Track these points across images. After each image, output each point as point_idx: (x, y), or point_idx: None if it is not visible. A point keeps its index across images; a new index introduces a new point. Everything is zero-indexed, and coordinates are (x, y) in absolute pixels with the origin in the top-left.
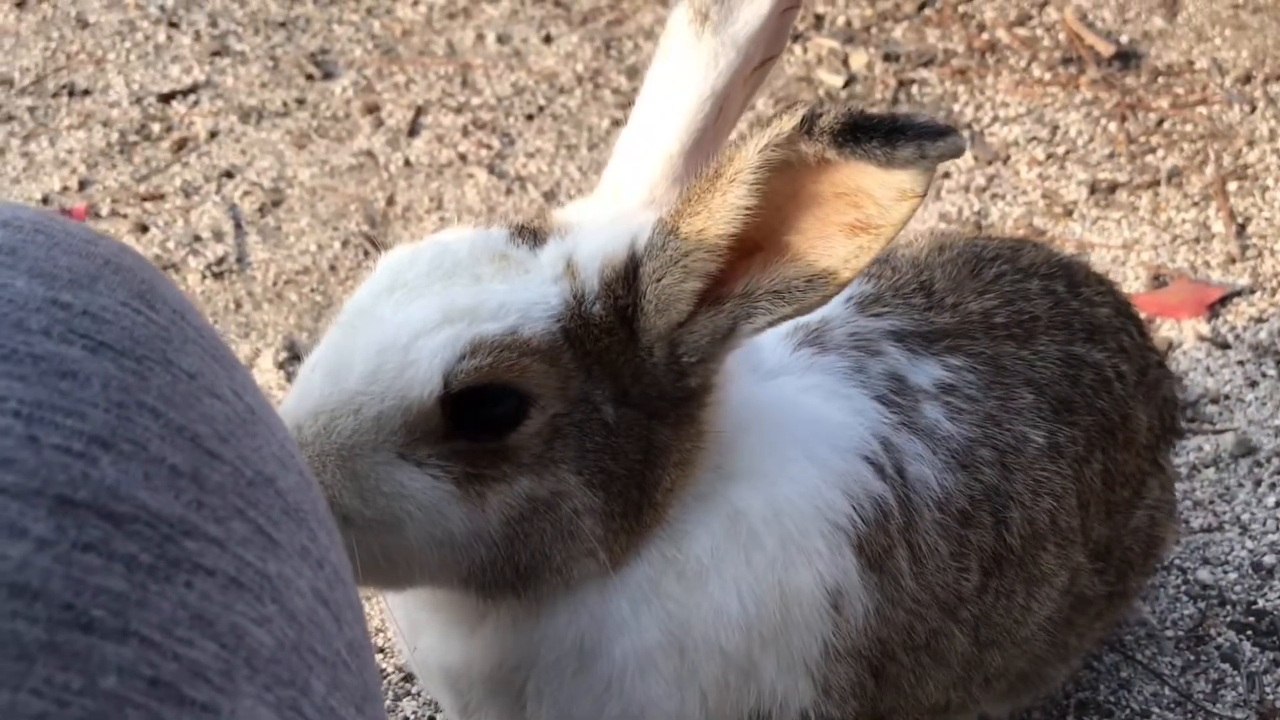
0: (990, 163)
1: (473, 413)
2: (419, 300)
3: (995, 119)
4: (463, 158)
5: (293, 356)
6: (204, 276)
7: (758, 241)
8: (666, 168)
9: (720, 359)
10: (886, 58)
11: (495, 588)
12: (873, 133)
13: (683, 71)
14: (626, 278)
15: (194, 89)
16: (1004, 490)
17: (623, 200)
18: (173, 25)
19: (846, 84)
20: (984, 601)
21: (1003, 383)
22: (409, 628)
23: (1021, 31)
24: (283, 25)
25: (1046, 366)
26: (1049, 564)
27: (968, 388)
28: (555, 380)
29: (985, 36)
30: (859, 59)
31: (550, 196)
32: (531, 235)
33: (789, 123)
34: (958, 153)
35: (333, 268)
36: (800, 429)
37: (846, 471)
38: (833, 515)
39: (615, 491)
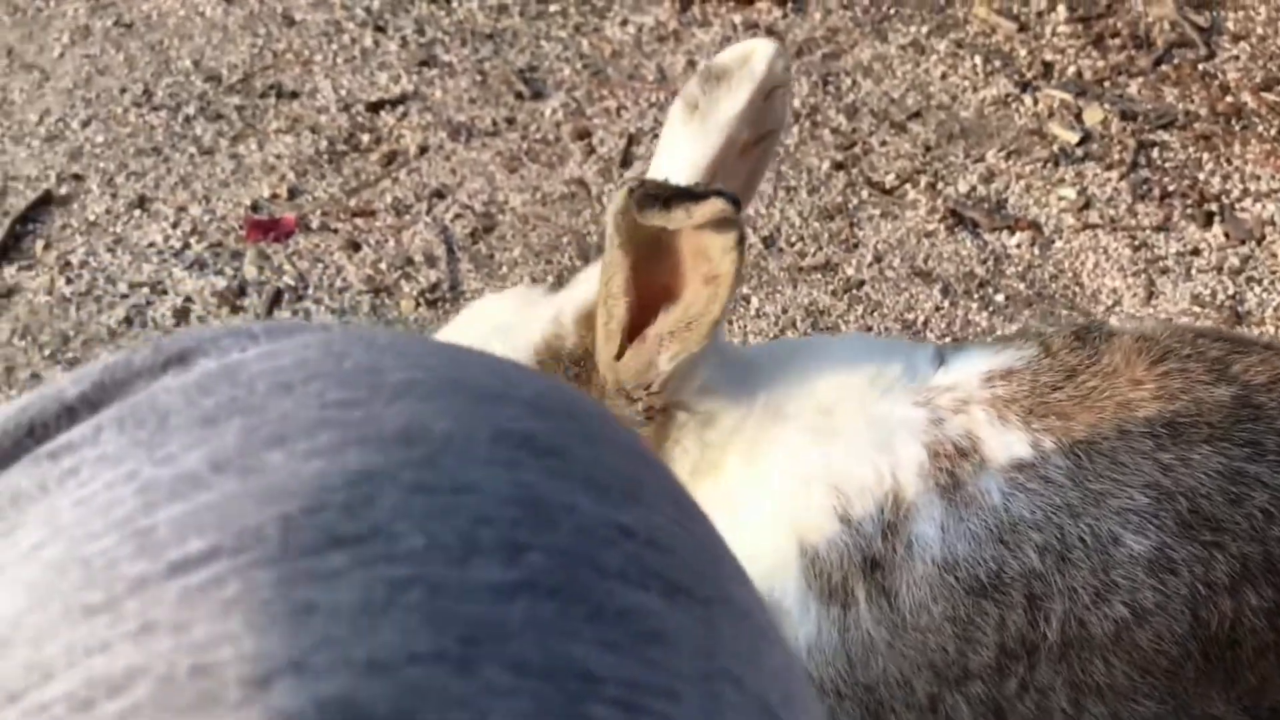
0: (1243, 242)
1: None
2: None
3: (1246, 192)
4: None
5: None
6: (417, 304)
7: (667, 287)
8: None
9: (651, 394)
10: (1123, 116)
11: None
12: (656, 200)
13: (676, 155)
14: (591, 321)
15: (402, 99)
16: (1049, 580)
17: None
18: (379, 29)
19: (1081, 141)
20: (1004, 685)
21: (1109, 477)
22: None
23: (1269, 96)
24: (490, 38)
25: (1192, 476)
26: (1114, 679)
27: (1052, 471)
28: None
29: (1229, 99)
30: (1093, 115)
31: (770, 242)
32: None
33: (621, 198)
34: (720, 215)
35: None
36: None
37: (803, 518)
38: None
39: None
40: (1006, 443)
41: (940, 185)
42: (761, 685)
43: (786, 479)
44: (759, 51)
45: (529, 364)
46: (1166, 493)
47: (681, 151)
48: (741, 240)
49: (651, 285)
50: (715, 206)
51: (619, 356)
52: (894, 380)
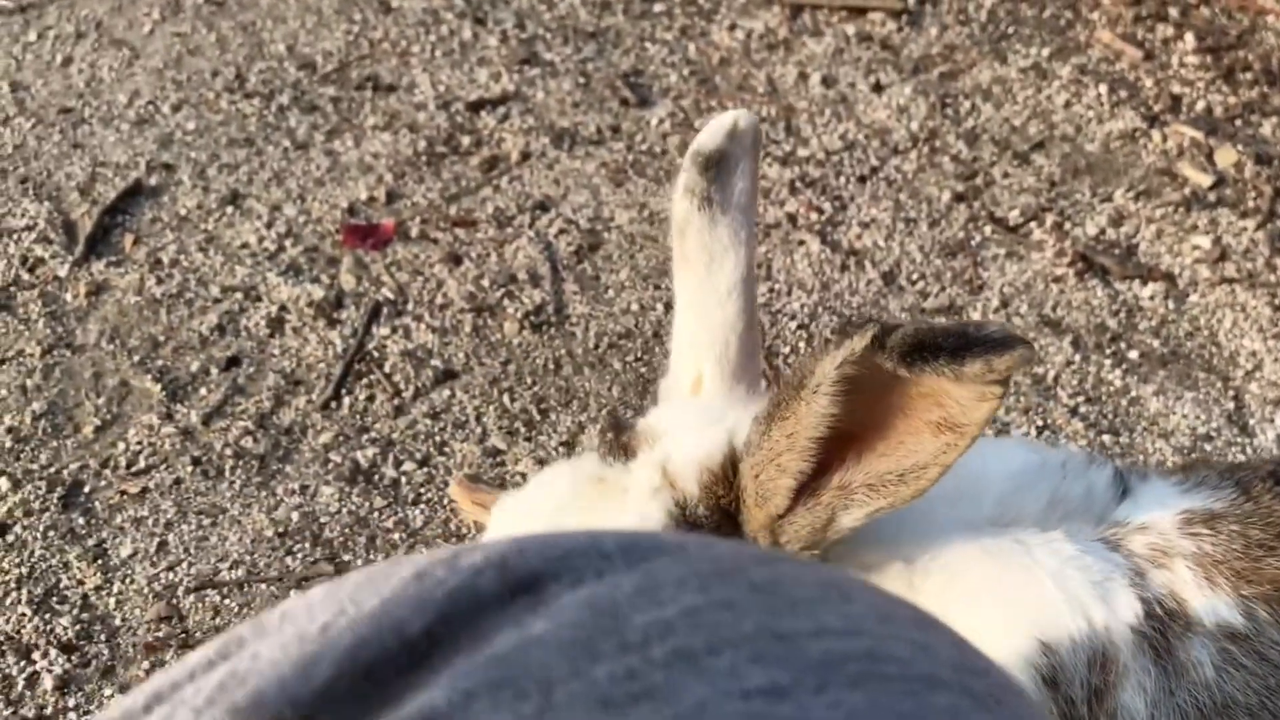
0: None
1: None
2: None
3: None
4: (791, 219)
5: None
6: (521, 327)
7: (852, 433)
8: (736, 349)
9: (825, 545)
10: (1258, 159)
11: None
12: (939, 351)
13: (715, 255)
14: (726, 478)
15: (503, 99)
16: None
17: (702, 390)
18: (478, 22)
19: (1214, 185)
20: None
21: None
22: None
23: None
24: (593, 36)
25: None
26: None
27: (1267, 648)
28: None
29: None
30: (1226, 156)
31: (889, 279)
32: (622, 451)
33: (860, 342)
34: (1027, 364)
35: (657, 334)
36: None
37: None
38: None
39: None
40: (1214, 607)
41: (1067, 225)
42: None
43: (983, 628)
44: (742, 122)
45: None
46: None
47: (722, 255)
48: (1004, 392)
49: (837, 431)
50: (1022, 356)
51: (783, 515)
52: (1074, 508)
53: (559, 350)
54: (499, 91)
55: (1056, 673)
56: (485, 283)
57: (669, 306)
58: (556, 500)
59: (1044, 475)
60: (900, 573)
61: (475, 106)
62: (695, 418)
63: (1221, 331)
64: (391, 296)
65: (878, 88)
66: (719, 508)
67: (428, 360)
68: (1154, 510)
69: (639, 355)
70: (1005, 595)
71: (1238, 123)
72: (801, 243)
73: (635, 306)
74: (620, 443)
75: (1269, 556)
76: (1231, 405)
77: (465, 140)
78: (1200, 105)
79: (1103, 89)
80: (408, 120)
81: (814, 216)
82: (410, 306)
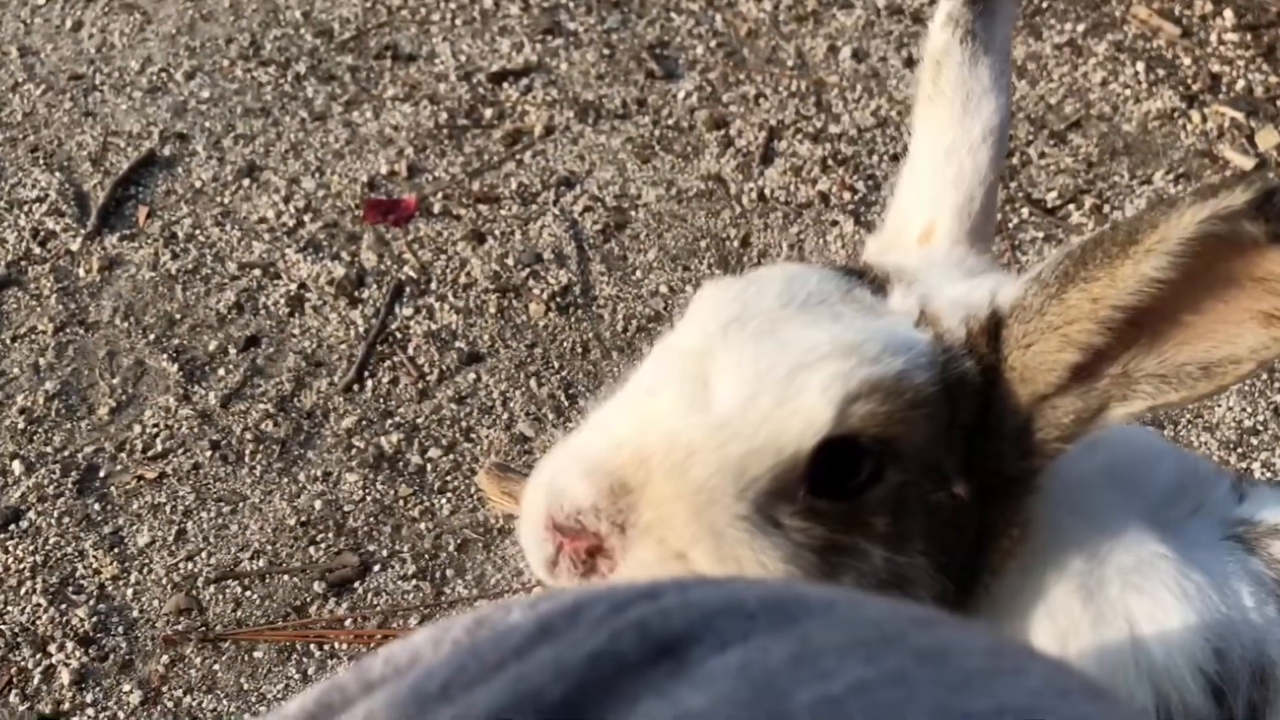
0: None
1: (830, 467)
2: (787, 330)
3: None
4: (824, 198)
5: (860, 271)
6: (547, 308)
7: (1149, 316)
8: (980, 202)
9: (1077, 441)
10: None
11: None
12: None
13: (973, 95)
14: (990, 334)
15: (526, 71)
16: None
17: (939, 241)
18: None
19: (1256, 168)
20: None
21: None
22: None
23: None
24: (617, 5)
25: None
26: None
27: None
28: (925, 440)
29: None
30: (1268, 138)
31: None
32: (868, 278)
33: (1241, 197)
34: None
35: None
36: (1157, 595)
37: (1170, 672)
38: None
39: (952, 578)
40: None
41: (1106, 209)
42: None
43: (1162, 636)
44: None
45: (913, 350)
46: None
47: (978, 97)
48: None
49: (1139, 308)
50: None
51: (1049, 396)
52: (1207, 505)
53: (586, 333)
54: (521, 62)
55: (1224, 684)
56: (510, 262)
57: (699, 287)
58: (804, 295)
59: (1185, 468)
60: (1079, 573)
61: (498, 78)
62: (947, 267)
63: None
64: (414, 275)
65: (910, 62)
66: (982, 369)
67: (452, 342)
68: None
69: None
70: (1182, 604)
71: (1279, 103)
72: (835, 223)
73: (664, 289)
74: (861, 271)
75: None
76: (1279, 398)
77: (488, 112)
78: (1240, 85)
79: (1140, 66)
80: (428, 91)
81: (847, 196)
82: (434, 286)
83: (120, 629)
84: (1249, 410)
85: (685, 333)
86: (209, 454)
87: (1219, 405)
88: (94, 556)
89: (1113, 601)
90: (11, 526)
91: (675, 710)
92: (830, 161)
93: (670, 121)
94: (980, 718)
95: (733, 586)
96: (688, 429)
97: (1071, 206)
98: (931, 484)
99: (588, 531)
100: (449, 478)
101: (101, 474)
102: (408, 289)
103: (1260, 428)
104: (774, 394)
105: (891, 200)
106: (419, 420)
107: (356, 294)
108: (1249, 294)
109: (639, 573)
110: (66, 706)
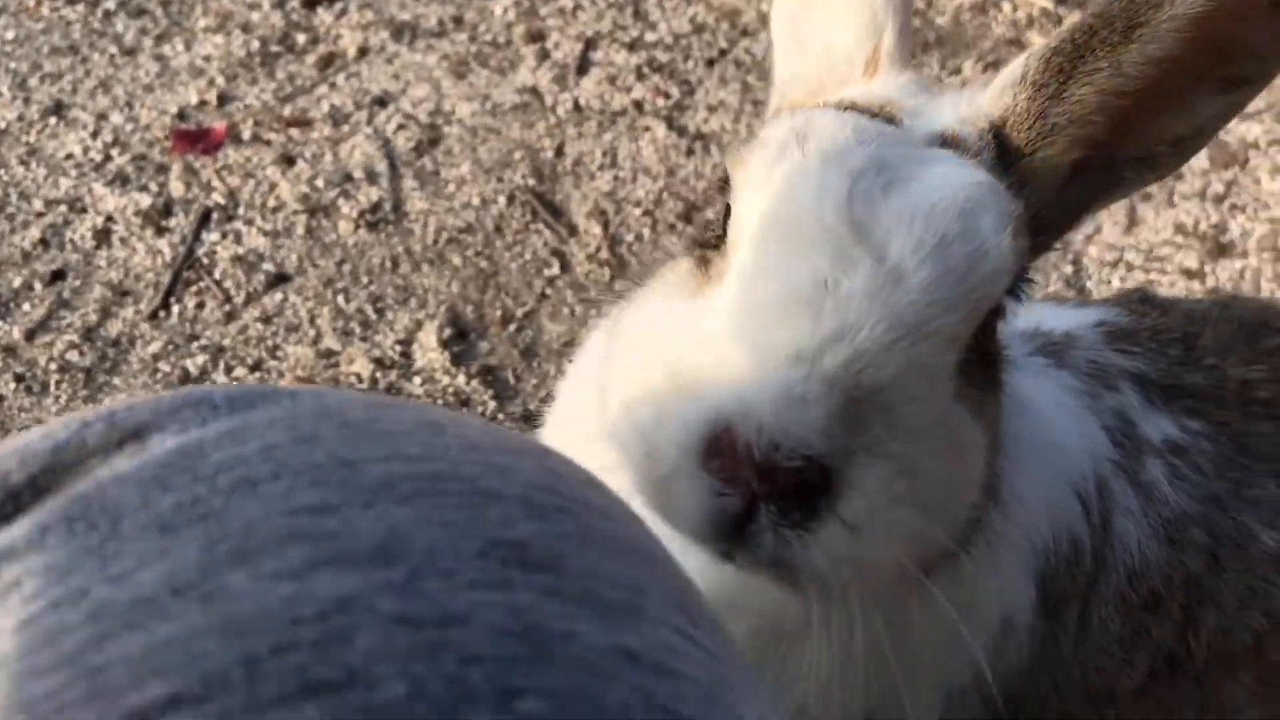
0: (1227, 166)
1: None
2: (923, 182)
3: None
4: (638, 106)
5: (458, 333)
6: (357, 226)
7: (1143, 99)
8: (906, 25)
9: (1070, 235)
10: None
11: (964, 544)
12: None
13: None
14: (999, 149)
15: None
16: (1206, 585)
17: (886, 71)
18: None
19: None
20: (1137, 708)
21: (1243, 465)
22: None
23: None
24: None
25: None
26: (1236, 697)
27: (1199, 457)
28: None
29: None
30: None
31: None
32: (880, 116)
33: None
34: None
35: (498, 228)
36: (1030, 432)
37: (1060, 499)
38: (1034, 536)
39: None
40: (1158, 425)
41: None
42: None
43: (1056, 456)
44: None
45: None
46: None
47: None
48: None
49: (1128, 92)
50: None
51: (1058, 197)
52: (1034, 331)
53: (396, 248)
54: None
55: (1086, 502)
56: (320, 183)
57: (511, 199)
58: (861, 145)
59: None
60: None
61: (311, 3)
62: (916, 90)
63: None
64: (222, 201)
65: None
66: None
67: (259, 265)
68: (1068, 321)
69: (479, 250)
70: (1056, 425)
71: None
72: (648, 129)
73: (476, 200)
74: (861, 107)
75: (1180, 367)
76: (1070, 269)
77: (301, 38)
78: None
79: None
80: (240, 20)
81: (660, 102)
82: (241, 211)
83: None
84: (1040, 281)
85: (792, 208)
86: (13, 386)
87: None
88: None
89: (1035, 438)
90: None
91: (113, 473)
92: (645, 69)
93: (488, 38)
94: (361, 463)
95: (209, 388)
96: (901, 316)
97: None
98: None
99: (812, 465)
100: None
101: None
102: (215, 215)
103: (1053, 299)
104: (963, 254)
105: (791, 45)
106: (225, 342)
107: (164, 223)
108: (1208, 64)
109: (866, 502)
110: None
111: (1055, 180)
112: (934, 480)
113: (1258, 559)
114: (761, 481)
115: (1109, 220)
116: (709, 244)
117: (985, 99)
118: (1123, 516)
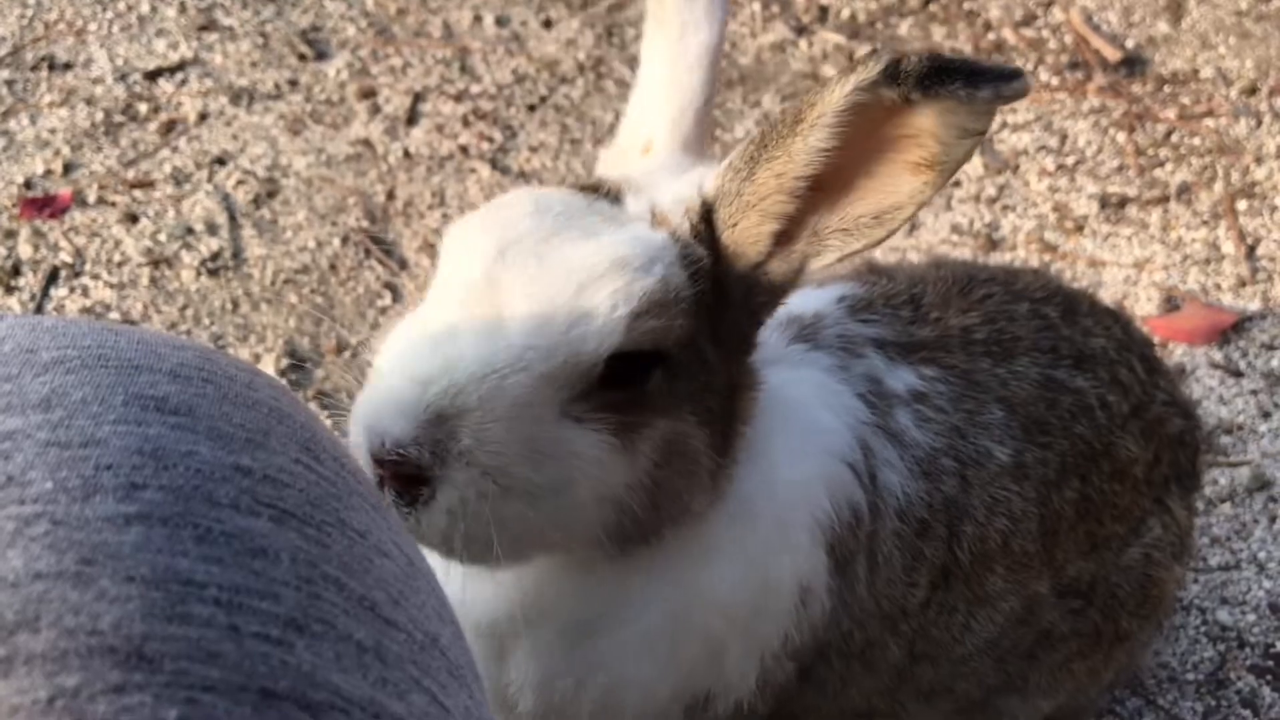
0: (1000, 171)
1: (619, 368)
2: (559, 249)
3: (1004, 124)
4: (464, 150)
5: (295, 364)
6: (198, 273)
7: (825, 181)
8: (692, 119)
9: (787, 297)
10: None
11: (632, 541)
12: (955, 75)
13: (689, 24)
14: (706, 222)
15: (181, 66)
16: (961, 503)
17: (658, 152)
18: None
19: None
20: (925, 616)
21: (973, 396)
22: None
23: (1028, 32)
24: (272, 0)
25: (1021, 386)
26: (995, 586)
27: (938, 398)
28: (689, 329)
29: (991, 36)
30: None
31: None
32: (603, 192)
33: (875, 68)
34: (1026, 93)
35: (333, 266)
36: (797, 422)
37: (833, 473)
38: (817, 512)
39: (714, 429)
40: (901, 377)
41: (719, 132)
42: (367, 588)
43: (821, 428)
44: None
45: (663, 250)
46: (1009, 404)
47: (698, 24)
48: (985, 132)
49: (814, 177)
50: (1027, 84)
51: (760, 264)
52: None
53: (236, 291)
54: (177, 59)
55: (856, 466)
56: (162, 237)
57: (345, 240)
58: (553, 217)
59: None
60: (776, 409)
61: (153, 75)
62: (665, 171)
63: None
64: (69, 260)
65: (548, 24)
66: (706, 247)
67: (106, 314)
68: (814, 302)
69: (315, 287)
70: (818, 408)
71: (878, 25)
72: (474, 170)
73: (312, 243)
74: (594, 186)
75: (912, 325)
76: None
77: (143, 108)
78: (845, 14)
79: (757, 6)
80: (84, 95)
81: (485, 146)
82: (88, 266)
83: None
84: None
85: (457, 267)
86: None
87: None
88: None
89: (803, 426)
90: None
91: None
92: (471, 117)
93: (322, 97)
94: (46, 349)
95: None
96: (494, 357)
97: None
98: (694, 359)
99: (409, 462)
100: None
101: None
102: (63, 273)
103: None
104: (566, 315)
105: (623, 119)
106: None
107: (12, 283)
108: (900, 148)
109: (458, 494)
110: None
111: (757, 248)
112: (527, 484)
113: (995, 473)
114: (376, 468)
115: None
116: None
117: (709, 180)
118: (885, 468)
